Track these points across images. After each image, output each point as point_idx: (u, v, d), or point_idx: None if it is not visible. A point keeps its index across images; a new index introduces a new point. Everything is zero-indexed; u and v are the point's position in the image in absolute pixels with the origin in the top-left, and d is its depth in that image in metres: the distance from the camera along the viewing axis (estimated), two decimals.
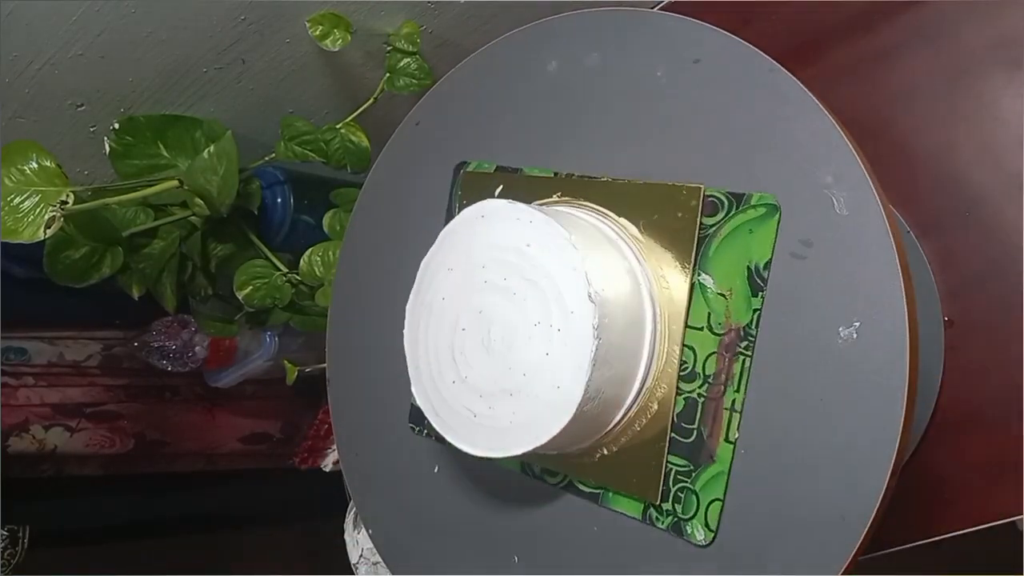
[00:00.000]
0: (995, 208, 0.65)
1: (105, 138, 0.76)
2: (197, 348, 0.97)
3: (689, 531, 0.46)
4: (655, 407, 0.48)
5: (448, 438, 0.49)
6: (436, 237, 0.52)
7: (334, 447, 1.20)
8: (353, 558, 0.92)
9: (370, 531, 0.64)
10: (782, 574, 0.43)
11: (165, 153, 0.77)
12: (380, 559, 0.63)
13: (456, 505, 0.58)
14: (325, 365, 0.69)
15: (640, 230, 0.50)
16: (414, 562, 0.61)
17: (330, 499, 1.05)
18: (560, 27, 0.57)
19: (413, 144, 0.65)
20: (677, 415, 0.47)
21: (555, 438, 0.45)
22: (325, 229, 0.84)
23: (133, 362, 1.03)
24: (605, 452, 0.50)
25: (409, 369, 0.52)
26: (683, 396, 0.47)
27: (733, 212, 0.47)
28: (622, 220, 0.51)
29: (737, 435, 0.46)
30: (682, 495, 0.47)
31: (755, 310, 0.46)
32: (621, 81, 0.53)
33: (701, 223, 0.48)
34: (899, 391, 0.41)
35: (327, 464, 1.21)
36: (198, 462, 1.16)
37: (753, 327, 0.46)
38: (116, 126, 0.75)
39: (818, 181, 0.44)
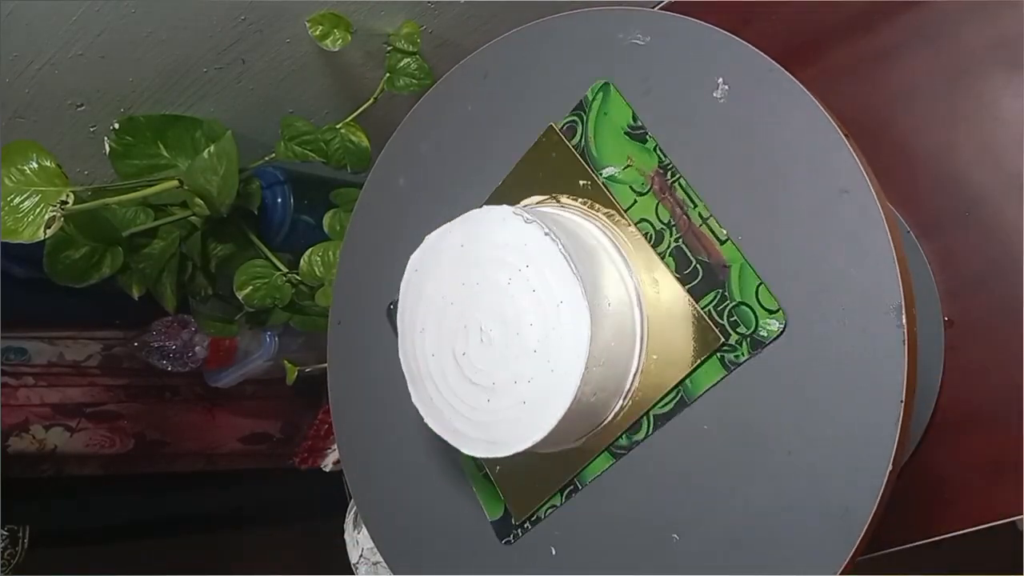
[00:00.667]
0: (995, 208, 0.65)
1: (105, 138, 0.76)
2: (197, 348, 0.97)
3: (763, 333, 0.46)
4: (658, 282, 0.50)
5: (510, 452, 0.48)
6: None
7: (334, 447, 1.20)
8: (353, 558, 0.92)
9: (370, 530, 0.64)
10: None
11: (165, 153, 0.77)
12: (380, 559, 0.63)
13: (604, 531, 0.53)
14: (325, 365, 0.69)
15: (543, 194, 0.56)
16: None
17: (330, 499, 1.05)
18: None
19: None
20: (676, 272, 0.49)
21: (595, 343, 0.45)
22: (325, 229, 0.84)
23: (133, 362, 1.03)
24: (656, 356, 0.50)
25: (436, 429, 0.51)
26: (667, 255, 0.50)
27: (586, 117, 0.54)
28: (525, 200, 0.56)
29: (724, 231, 0.48)
30: (735, 316, 0.47)
31: (654, 148, 0.51)
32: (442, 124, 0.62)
33: (573, 145, 0.54)
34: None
35: (327, 464, 1.22)
36: (198, 462, 1.16)
37: (665, 157, 0.50)
38: (116, 126, 0.75)
39: (615, 39, 0.53)
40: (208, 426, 1.13)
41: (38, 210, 0.58)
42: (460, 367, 0.50)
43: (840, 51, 0.72)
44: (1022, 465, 0.59)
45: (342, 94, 0.87)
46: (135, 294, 0.79)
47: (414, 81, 0.78)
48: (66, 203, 0.59)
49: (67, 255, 0.71)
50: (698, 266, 0.49)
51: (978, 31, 0.66)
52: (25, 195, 0.58)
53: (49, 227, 0.58)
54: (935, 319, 0.66)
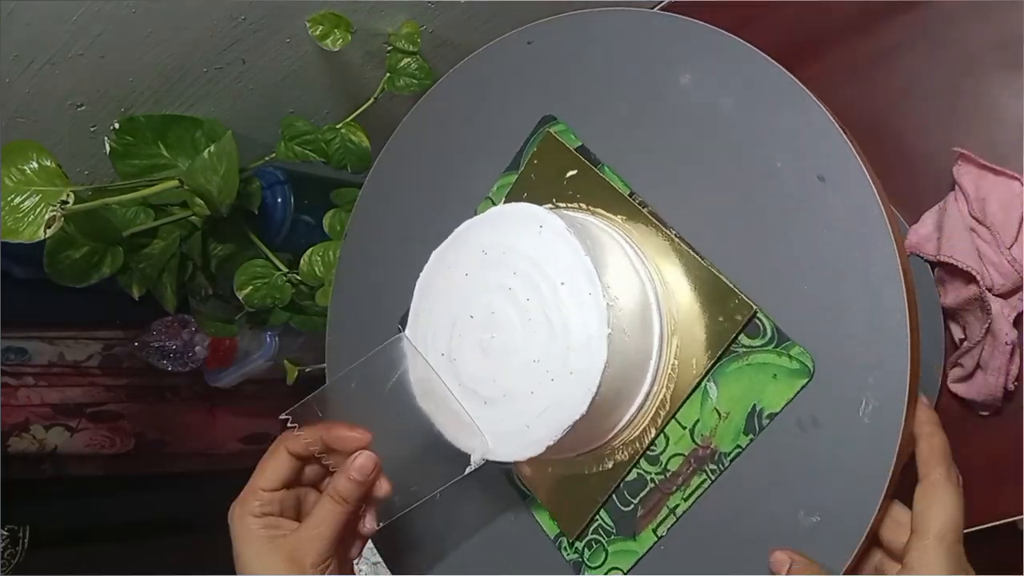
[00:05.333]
0: None
1: (105, 138, 0.76)
2: (197, 348, 0.97)
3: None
4: (617, 459, 0.50)
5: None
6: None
7: None
8: None
9: None
10: None
11: (165, 153, 0.77)
12: (380, 559, 0.63)
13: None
14: (325, 365, 0.69)
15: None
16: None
17: None
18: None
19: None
20: (626, 481, 0.50)
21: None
22: (325, 229, 0.84)
23: (133, 362, 1.03)
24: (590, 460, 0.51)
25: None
26: (639, 471, 0.49)
27: (769, 347, 0.46)
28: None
29: (664, 534, 0.48)
30: (595, 545, 0.50)
31: (738, 446, 0.46)
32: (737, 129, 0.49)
33: (735, 339, 0.47)
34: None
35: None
36: (198, 462, 1.16)
37: (727, 459, 0.46)
38: (116, 126, 0.75)
39: (860, 371, 0.43)
40: (208, 426, 1.14)
41: (38, 210, 0.58)
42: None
43: (840, 51, 0.72)
44: (1022, 465, 0.59)
45: (342, 94, 0.87)
46: (135, 294, 0.79)
47: (414, 81, 0.78)
48: (66, 203, 0.59)
49: (67, 255, 0.71)
50: (633, 507, 0.49)
51: (978, 31, 0.66)
52: (25, 195, 0.58)
53: (49, 227, 0.58)
54: (935, 319, 0.66)
